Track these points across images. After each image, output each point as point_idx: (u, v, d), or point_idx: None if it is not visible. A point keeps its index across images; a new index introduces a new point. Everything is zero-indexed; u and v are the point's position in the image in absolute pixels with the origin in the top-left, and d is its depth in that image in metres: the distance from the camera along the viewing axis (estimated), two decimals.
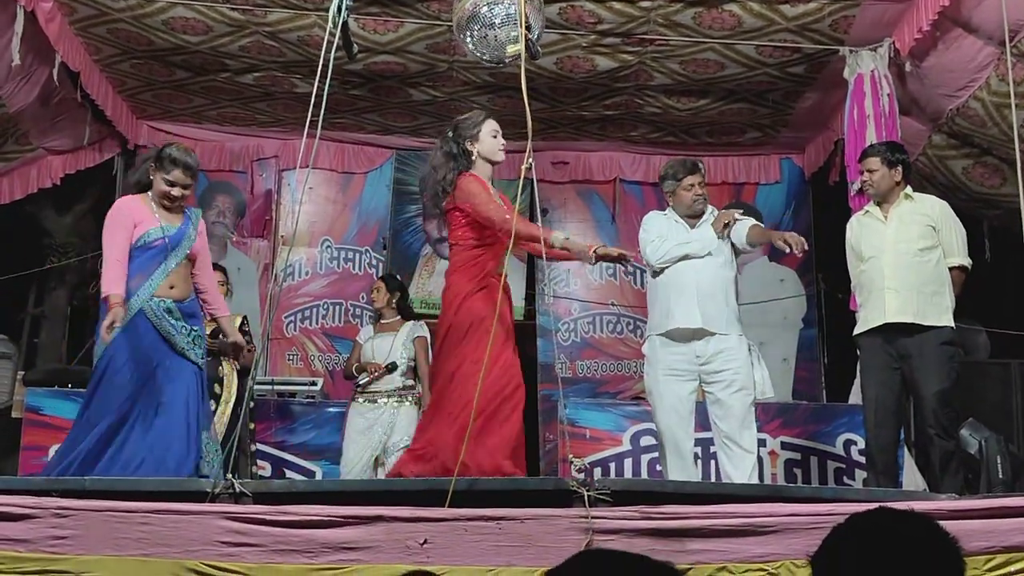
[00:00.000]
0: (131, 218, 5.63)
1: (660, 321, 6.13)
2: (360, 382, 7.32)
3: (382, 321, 7.60)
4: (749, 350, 6.12)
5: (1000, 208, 8.31)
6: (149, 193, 5.69)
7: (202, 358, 5.59)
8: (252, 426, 7.12)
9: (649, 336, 6.26)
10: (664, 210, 6.48)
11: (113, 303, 5.41)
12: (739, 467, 5.94)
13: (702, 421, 6.24)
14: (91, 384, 5.51)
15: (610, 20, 7.42)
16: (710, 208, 6.35)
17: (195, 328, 5.58)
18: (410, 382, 7.35)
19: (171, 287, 5.54)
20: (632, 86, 8.50)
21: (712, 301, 6.02)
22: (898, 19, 7.19)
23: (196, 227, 5.72)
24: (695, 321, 5.98)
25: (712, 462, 7.10)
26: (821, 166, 9.57)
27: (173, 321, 5.50)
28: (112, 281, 5.51)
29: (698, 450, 6.51)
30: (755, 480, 6.05)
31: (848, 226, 6.32)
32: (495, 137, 5.45)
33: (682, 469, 6.02)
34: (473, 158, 5.43)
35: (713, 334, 6.00)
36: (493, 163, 5.49)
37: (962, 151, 8.05)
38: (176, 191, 5.64)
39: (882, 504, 2.05)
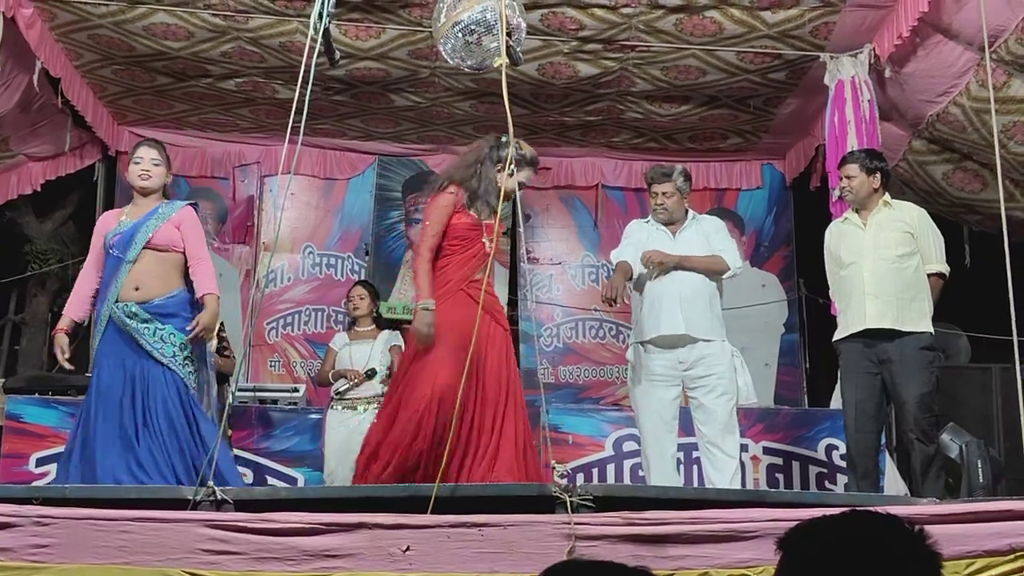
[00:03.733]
0: (103, 229, 5.70)
1: (643, 328, 6.15)
2: (339, 389, 7.30)
3: (357, 328, 7.58)
4: (732, 356, 6.14)
5: (980, 213, 8.35)
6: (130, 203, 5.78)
7: (176, 356, 5.46)
8: (229, 433, 7.09)
9: (633, 344, 6.29)
10: (646, 216, 6.51)
11: (56, 329, 5.63)
12: (722, 472, 5.96)
13: (684, 427, 6.26)
14: (84, 399, 5.62)
15: (592, 26, 7.43)
16: (691, 215, 6.37)
17: (163, 327, 5.46)
18: (388, 389, 7.33)
19: (135, 288, 5.47)
20: (614, 92, 8.51)
21: (695, 307, 6.04)
22: (878, 25, 7.22)
23: (165, 218, 5.60)
24: (678, 328, 6.00)
25: (695, 467, 7.12)
26: (802, 172, 9.60)
27: (136, 324, 5.43)
28: (68, 304, 5.73)
29: (680, 455, 6.52)
30: (737, 485, 6.07)
31: (827, 232, 6.35)
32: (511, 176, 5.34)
33: (664, 475, 6.03)
34: (495, 184, 5.58)
35: (696, 340, 6.03)
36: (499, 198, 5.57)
37: (942, 156, 8.09)
38: (145, 165, 5.63)
39: (853, 508, 2.05)
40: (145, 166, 5.66)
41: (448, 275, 5.56)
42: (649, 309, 6.12)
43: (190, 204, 5.83)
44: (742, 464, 6.30)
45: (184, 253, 5.61)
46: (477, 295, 5.32)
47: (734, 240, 6.44)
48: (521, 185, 5.53)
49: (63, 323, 5.63)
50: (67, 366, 5.58)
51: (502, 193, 5.18)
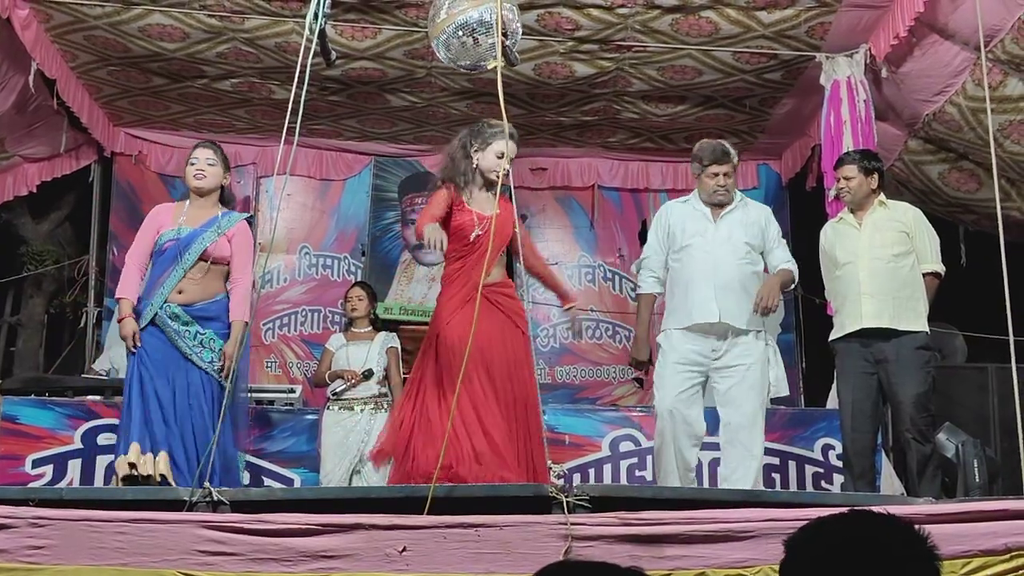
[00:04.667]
0: (156, 222, 5.78)
1: (677, 316, 5.90)
2: (336, 389, 7.29)
3: (354, 329, 7.56)
4: (767, 345, 5.93)
5: (976, 213, 8.36)
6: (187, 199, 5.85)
7: (214, 363, 5.60)
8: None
9: (666, 329, 5.97)
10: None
11: (124, 312, 5.60)
12: (743, 470, 5.71)
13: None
14: (124, 397, 5.67)
15: (588, 27, 7.43)
16: (738, 196, 6.11)
17: (204, 331, 5.61)
18: (384, 390, 7.32)
19: (179, 292, 5.61)
20: (610, 92, 8.51)
21: (731, 295, 5.80)
22: (874, 25, 7.23)
23: (222, 230, 5.72)
24: (712, 316, 5.76)
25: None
26: (798, 172, 9.61)
27: (177, 326, 5.56)
28: (124, 284, 5.72)
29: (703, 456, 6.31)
30: (760, 486, 5.89)
31: (822, 233, 6.35)
32: (499, 157, 5.47)
33: (672, 462, 5.77)
34: (473, 165, 5.54)
35: (731, 328, 5.79)
36: (487, 180, 5.56)
37: (938, 156, 8.09)
38: (200, 165, 5.75)
39: (857, 508, 2.05)
40: (200, 166, 5.77)
41: (467, 277, 5.45)
42: (683, 296, 5.88)
43: (246, 218, 5.95)
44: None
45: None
46: (495, 298, 5.42)
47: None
48: (501, 155, 5.49)
49: (127, 308, 5.62)
50: (133, 349, 5.59)
51: (501, 171, 5.17)
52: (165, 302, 5.57)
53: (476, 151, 5.54)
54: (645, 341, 6.01)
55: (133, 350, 5.58)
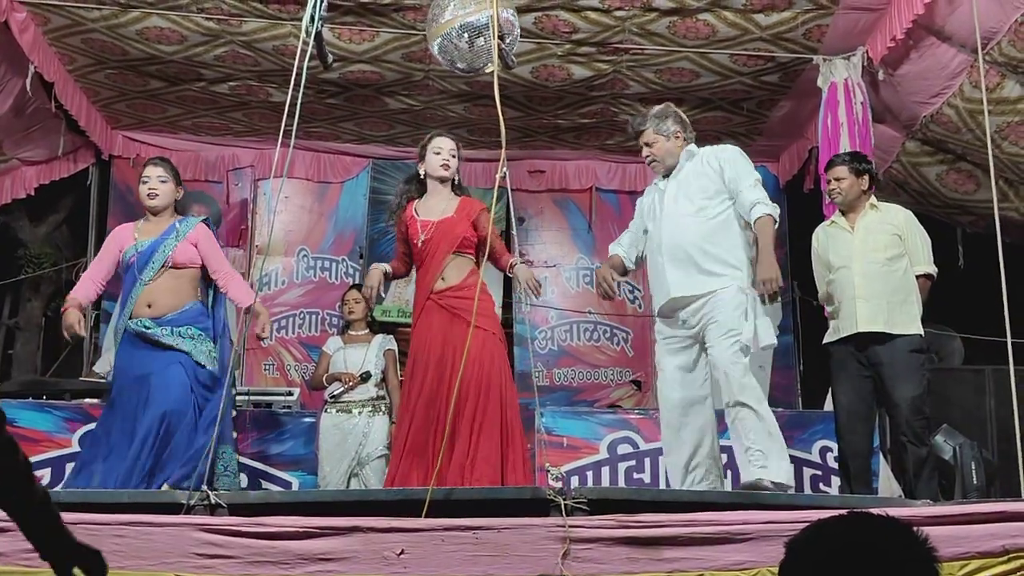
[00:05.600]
0: (117, 242, 5.82)
1: (654, 301, 5.74)
2: (334, 392, 7.29)
3: (351, 332, 7.57)
4: (741, 292, 5.42)
5: (973, 214, 8.36)
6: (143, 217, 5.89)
7: (192, 340, 5.59)
8: (235, 435, 7.06)
9: (653, 316, 5.82)
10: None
11: (66, 305, 5.67)
12: (749, 433, 5.33)
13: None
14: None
15: (585, 29, 7.43)
16: (686, 153, 5.68)
17: (179, 327, 5.61)
18: (382, 392, 7.33)
19: (148, 305, 5.61)
20: (607, 95, 8.51)
21: (682, 264, 5.49)
22: (871, 28, 7.23)
23: (181, 235, 5.74)
24: (665, 294, 5.53)
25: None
26: (795, 174, 9.61)
27: (152, 331, 5.56)
28: (75, 288, 5.84)
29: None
30: (780, 444, 5.44)
31: (814, 236, 6.35)
32: (437, 154, 5.80)
33: (675, 447, 5.59)
34: (423, 178, 5.87)
35: (692, 296, 5.46)
36: (437, 179, 5.84)
37: (936, 157, 8.10)
38: (152, 184, 5.77)
39: (857, 510, 2.05)
40: (152, 185, 5.79)
41: (420, 284, 5.80)
42: (651, 279, 5.74)
43: (203, 220, 5.94)
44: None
45: (200, 268, 5.79)
46: (446, 303, 5.59)
47: (751, 167, 5.76)
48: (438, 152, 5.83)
49: (71, 300, 5.70)
50: (82, 333, 5.70)
51: (495, 192, 5.22)
52: (132, 316, 5.60)
53: (420, 164, 5.88)
54: (604, 269, 5.84)
55: (69, 337, 5.66)
